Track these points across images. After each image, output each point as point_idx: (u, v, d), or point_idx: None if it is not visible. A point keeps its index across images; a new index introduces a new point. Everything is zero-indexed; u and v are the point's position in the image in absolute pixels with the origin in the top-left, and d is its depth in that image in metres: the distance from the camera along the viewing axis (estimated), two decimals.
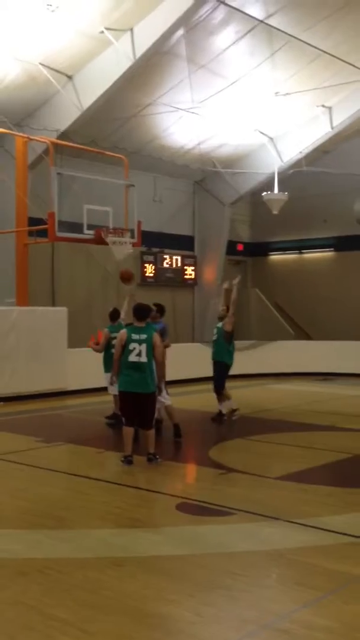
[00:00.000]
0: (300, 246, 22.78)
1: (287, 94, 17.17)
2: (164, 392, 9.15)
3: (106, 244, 13.92)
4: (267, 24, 14.34)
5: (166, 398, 9.59)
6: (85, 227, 13.89)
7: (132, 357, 8.18)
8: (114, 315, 11.26)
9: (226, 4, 13.69)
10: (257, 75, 16.25)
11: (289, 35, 14.78)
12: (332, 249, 22.12)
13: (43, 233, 14.12)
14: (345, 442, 10.03)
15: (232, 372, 11.82)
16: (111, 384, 9.37)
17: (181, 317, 20.97)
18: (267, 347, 19.01)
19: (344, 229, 21.24)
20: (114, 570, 5.04)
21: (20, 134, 14.90)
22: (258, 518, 6.25)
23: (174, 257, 21.19)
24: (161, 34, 13.67)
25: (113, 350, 8.91)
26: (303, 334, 21.82)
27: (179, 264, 21.35)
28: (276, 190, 18.78)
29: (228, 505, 6.62)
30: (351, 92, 17.98)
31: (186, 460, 9.55)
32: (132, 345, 8.20)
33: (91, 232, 13.90)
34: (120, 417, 8.77)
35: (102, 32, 13.69)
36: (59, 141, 15.11)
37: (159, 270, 20.69)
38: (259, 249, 23.45)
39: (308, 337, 21.64)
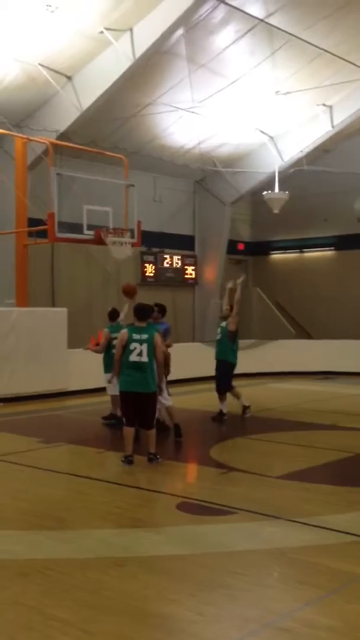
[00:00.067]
0: (301, 245, 22.77)
1: (287, 93, 17.15)
2: (164, 393, 9.15)
3: (106, 244, 13.90)
4: (267, 23, 14.33)
5: (167, 399, 9.57)
6: (85, 227, 13.85)
7: (133, 357, 8.17)
8: (113, 314, 11.26)
9: (226, 3, 13.66)
10: (257, 74, 16.23)
11: (290, 34, 14.76)
12: (333, 248, 22.11)
13: (43, 234, 14.09)
14: (346, 441, 10.01)
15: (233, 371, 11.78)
16: (109, 381, 9.36)
17: (182, 317, 20.93)
18: (268, 346, 18.98)
19: (345, 228, 21.24)
20: (115, 570, 5.03)
21: (20, 134, 14.88)
22: (259, 517, 6.23)
23: (174, 257, 21.17)
24: (161, 34, 13.65)
25: (114, 351, 8.90)
26: (304, 333, 21.81)
27: (180, 264, 21.34)
28: (277, 189, 18.76)
29: (229, 505, 6.60)
30: (352, 90, 17.97)
31: (187, 459, 9.53)
32: (132, 345, 8.19)
33: (91, 232, 13.87)
34: (118, 417, 8.76)
35: (102, 32, 13.67)
36: (59, 142, 15.09)
37: (159, 270, 20.67)
38: (259, 248, 23.43)
39: (309, 336, 21.62)
